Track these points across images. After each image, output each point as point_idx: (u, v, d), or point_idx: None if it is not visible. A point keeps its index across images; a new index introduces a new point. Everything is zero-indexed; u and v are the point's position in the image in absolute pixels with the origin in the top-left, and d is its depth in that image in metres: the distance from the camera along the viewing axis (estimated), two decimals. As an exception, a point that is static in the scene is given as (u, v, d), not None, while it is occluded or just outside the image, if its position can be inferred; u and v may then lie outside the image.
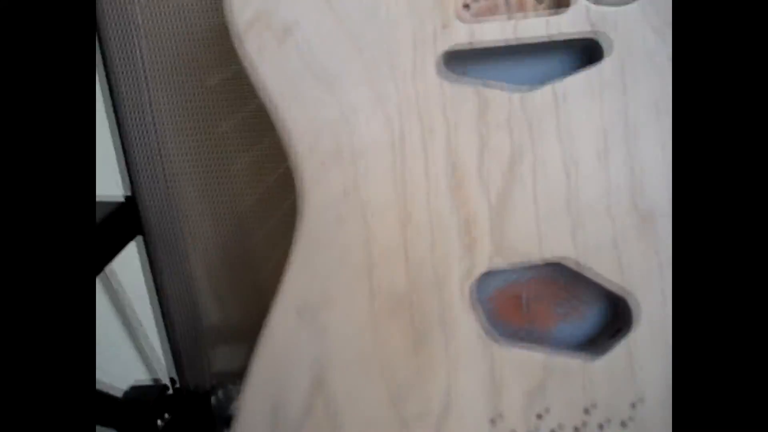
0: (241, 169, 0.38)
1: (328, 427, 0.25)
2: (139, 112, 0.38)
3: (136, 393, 0.44)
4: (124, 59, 0.37)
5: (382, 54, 0.26)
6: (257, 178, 0.38)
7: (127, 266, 0.41)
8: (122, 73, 0.37)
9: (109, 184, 0.40)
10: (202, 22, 0.36)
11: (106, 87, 0.37)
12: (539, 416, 0.25)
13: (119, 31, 0.36)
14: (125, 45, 0.36)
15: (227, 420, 0.49)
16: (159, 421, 0.43)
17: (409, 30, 0.26)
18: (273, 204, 0.39)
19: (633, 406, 0.26)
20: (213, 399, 0.47)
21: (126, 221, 0.40)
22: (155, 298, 0.42)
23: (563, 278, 0.27)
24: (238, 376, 0.44)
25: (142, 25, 0.36)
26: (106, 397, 0.40)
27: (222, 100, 0.38)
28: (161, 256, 0.40)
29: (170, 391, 0.46)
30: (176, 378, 0.45)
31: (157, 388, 0.44)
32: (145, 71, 0.37)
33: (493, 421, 0.25)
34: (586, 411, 0.26)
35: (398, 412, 0.25)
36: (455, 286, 0.25)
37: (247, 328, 0.42)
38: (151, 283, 0.42)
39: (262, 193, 0.39)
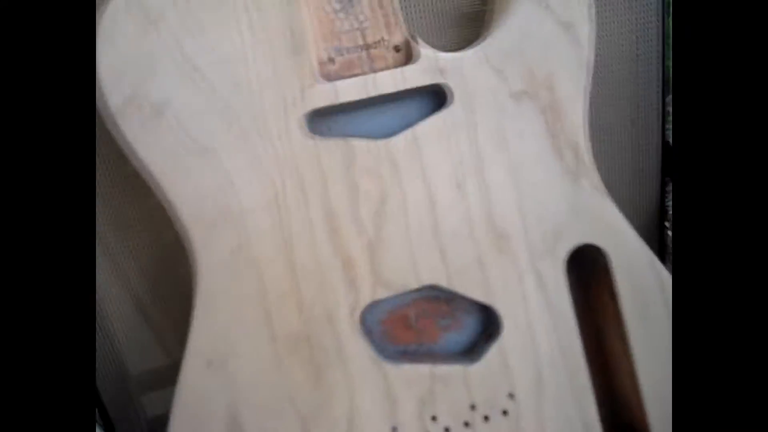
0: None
1: (249, 459, 0.28)
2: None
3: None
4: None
5: (251, 122, 0.28)
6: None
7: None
8: None
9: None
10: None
11: None
12: (433, 418, 0.29)
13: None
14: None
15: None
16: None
17: (277, 94, 0.29)
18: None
19: (510, 396, 0.30)
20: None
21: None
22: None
23: (443, 295, 0.31)
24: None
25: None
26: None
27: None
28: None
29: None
30: None
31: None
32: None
33: (393, 430, 0.29)
34: (472, 407, 0.30)
35: (308, 436, 0.28)
36: (345, 319, 0.29)
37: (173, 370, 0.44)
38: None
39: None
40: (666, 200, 0.48)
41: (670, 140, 0.45)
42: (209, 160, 0.28)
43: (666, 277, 0.31)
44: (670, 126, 0.44)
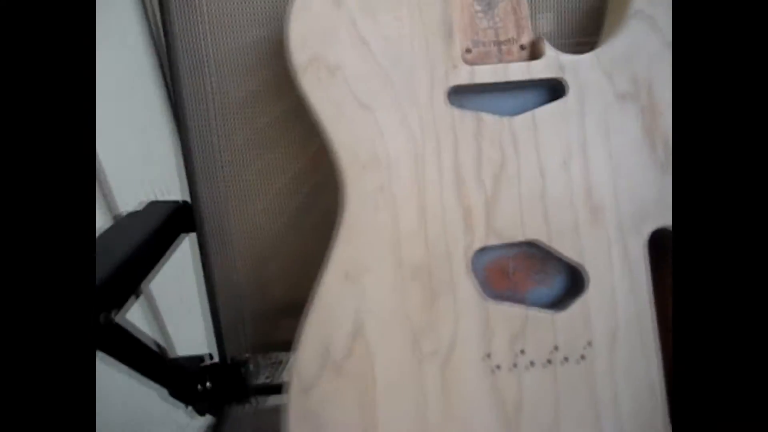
0: (286, 177, 0.47)
1: (366, 363, 0.34)
2: (206, 136, 0.46)
3: (181, 362, 0.52)
4: (194, 93, 0.45)
5: (403, 89, 0.35)
6: (297, 182, 0.47)
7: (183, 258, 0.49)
8: (192, 105, 0.45)
9: (174, 191, 0.48)
10: (260, 57, 0.45)
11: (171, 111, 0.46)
12: (521, 351, 0.35)
13: (190, 64, 0.45)
14: (195, 77, 0.45)
15: (256, 388, 0.57)
16: (199, 387, 0.51)
17: (427, 71, 0.35)
18: (309, 203, 0.47)
19: (588, 344, 0.35)
20: (243, 370, 0.55)
21: (183, 220, 0.48)
22: (203, 285, 0.50)
23: (539, 254, 0.37)
24: (271, 348, 0.52)
25: (213, 56, 0.45)
26: (162, 361, 0.48)
27: (271, 123, 0.47)
28: (211, 249, 0.49)
29: (208, 362, 0.54)
30: (215, 352, 0.53)
31: (197, 358, 0.52)
32: (214, 105, 0.45)
33: (485, 357, 0.35)
34: (555, 348, 0.35)
35: (417, 350, 0.34)
36: (460, 257, 0.35)
37: (278, 307, 0.50)
38: (200, 272, 0.50)
39: (304, 194, 0.47)
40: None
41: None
42: (367, 115, 0.35)
43: (735, 265, 0.36)
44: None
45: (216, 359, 0.51)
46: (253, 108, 0.46)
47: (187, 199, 0.48)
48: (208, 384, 0.50)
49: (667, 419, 0.35)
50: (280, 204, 0.48)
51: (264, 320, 0.50)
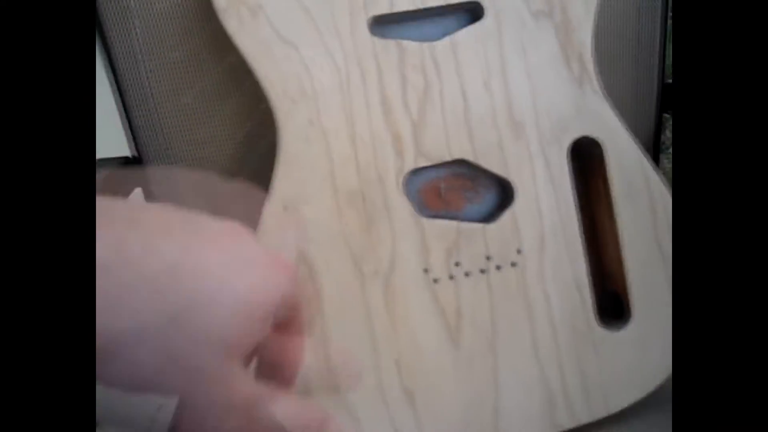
0: (222, 118, 0.48)
1: (312, 288, 0.36)
2: (138, 88, 0.47)
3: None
4: (121, 43, 0.45)
5: (328, 21, 0.36)
6: (236, 126, 0.48)
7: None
8: (121, 54, 0.45)
9: (119, 146, 0.48)
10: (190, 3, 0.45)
11: (109, 69, 0.46)
12: (457, 264, 0.37)
13: (116, 16, 0.45)
14: (122, 27, 0.45)
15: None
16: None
17: (346, 3, 0.36)
18: (251, 146, 0.49)
19: (518, 251, 0.38)
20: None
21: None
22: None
23: (468, 173, 0.39)
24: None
25: (137, 9, 0.45)
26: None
27: (203, 66, 0.47)
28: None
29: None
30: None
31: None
32: (141, 50, 0.46)
33: (423, 272, 0.37)
34: (488, 258, 0.37)
35: (359, 270, 0.36)
36: (392, 180, 0.36)
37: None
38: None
39: (242, 137, 0.48)
40: (662, 134, 0.55)
41: (670, 80, 0.52)
42: (291, 50, 0.36)
43: (649, 167, 0.39)
44: (669, 66, 0.51)
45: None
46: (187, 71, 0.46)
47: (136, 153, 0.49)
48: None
49: (593, 315, 0.39)
50: (224, 147, 0.49)
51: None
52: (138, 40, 0.45)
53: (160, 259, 0.17)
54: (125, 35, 0.45)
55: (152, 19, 0.45)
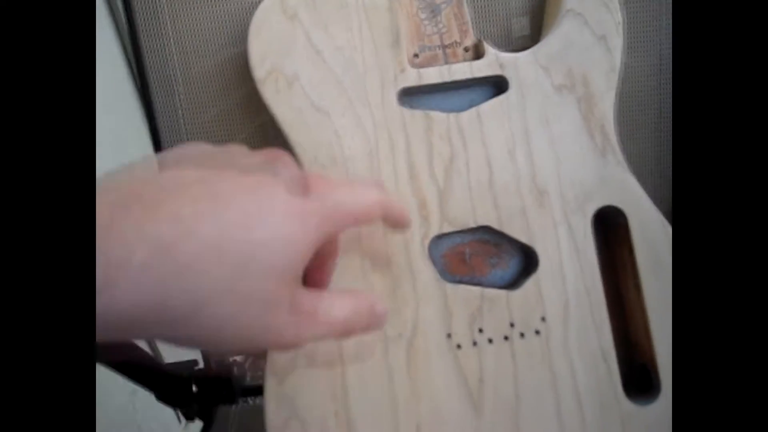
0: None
1: (335, 350, 0.36)
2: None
3: (175, 367, 0.54)
4: (165, 104, 0.48)
5: (356, 94, 0.38)
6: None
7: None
8: (163, 114, 0.48)
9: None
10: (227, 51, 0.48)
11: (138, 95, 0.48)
12: (480, 330, 0.37)
13: (160, 77, 0.48)
14: (166, 89, 0.48)
15: (242, 390, 0.59)
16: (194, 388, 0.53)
17: (377, 75, 0.38)
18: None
19: (542, 319, 0.37)
20: (230, 372, 0.57)
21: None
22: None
23: (493, 239, 0.39)
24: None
25: (180, 70, 0.47)
26: (154, 367, 0.50)
27: (236, 124, 0.49)
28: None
29: (199, 366, 0.56)
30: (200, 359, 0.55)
31: (190, 363, 0.55)
32: (182, 109, 0.48)
33: (446, 337, 0.37)
34: (511, 324, 0.37)
35: (382, 332, 0.37)
36: (417, 245, 0.37)
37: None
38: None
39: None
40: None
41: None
42: (324, 119, 0.38)
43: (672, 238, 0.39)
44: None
45: (201, 365, 0.54)
46: (226, 126, 0.49)
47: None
48: (194, 388, 0.52)
49: (620, 387, 0.38)
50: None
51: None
52: (180, 99, 0.48)
53: (215, 225, 0.20)
54: (169, 94, 0.48)
55: (194, 79, 0.48)
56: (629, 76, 0.48)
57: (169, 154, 0.24)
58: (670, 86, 0.49)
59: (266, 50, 0.38)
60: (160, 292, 0.19)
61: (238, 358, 0.55)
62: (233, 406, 0.55)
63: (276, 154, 0.25)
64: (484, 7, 0.48)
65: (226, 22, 0.47)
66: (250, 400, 0.60)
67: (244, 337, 0.22)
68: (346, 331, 0.25)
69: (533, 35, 0.47)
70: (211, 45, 0.48)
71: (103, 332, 0.19)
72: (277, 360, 0.37)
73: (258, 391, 0.58)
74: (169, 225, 0.19)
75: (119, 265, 0.18)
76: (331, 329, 0.25)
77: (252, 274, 0.21)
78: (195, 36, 0.47)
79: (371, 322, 0.26)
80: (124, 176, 0.22)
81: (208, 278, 0.20)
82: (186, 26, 0.47)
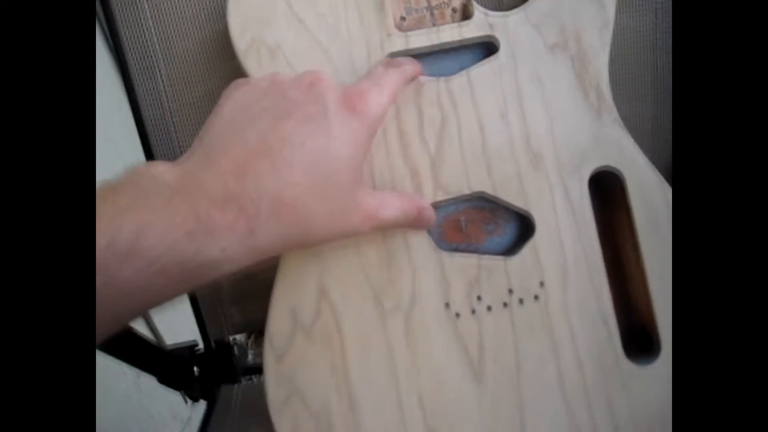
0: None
1: (332, 324, 0.36)
2: (162, 127, 0.48)
3: (177, 350, 0.54)
4: (146, 84, 0.47)
5: (345, 60, 0.37)
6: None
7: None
8: (145, 94, 0.47)
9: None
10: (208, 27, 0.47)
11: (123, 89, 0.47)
12: (478, 298, 0.37)
13: (140, 58, 0.46)
14: (146, 68, 0.46)
15: (245, 369, 0.59)
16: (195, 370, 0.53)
17: (363, 41, 0.37)
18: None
19: (541, 284, 0.37)
20: (232, 351, 0.57)
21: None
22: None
23: (488, 206, 0.38)
24: (249, 328, 0.54)
25: (161, 50, 0.46)
26: (155, 351, 0.50)
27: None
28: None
29: (200, 348, 0.56)
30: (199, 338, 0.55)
31: (191, 346, 0.54)
32: (165, 90, 0.47)
33: (445, 307, 0.37)
34: (510, 291, 0.37)
35: (380, 305, 0.36)
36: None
37: (253, 289, 0.52)
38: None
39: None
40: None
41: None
42: (310, 89, 0.37)
43: (670, 197, 0.38)
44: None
45: (200, 345, 0.53)
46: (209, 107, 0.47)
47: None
48: (196, 370, 0.52)
49: (620, 349, 0.38)
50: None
51: (243, 300, 0.51)
52: (162, 80, 0.47)
53: (300, 167, 0.28)
54: (150, 76, 0.47)
55: (175, 59, 0.46)
56: (624, 36, 0.46)
57: (231, 107, 0.30)
58: (666, 44, 0.47)
59: (246, 20, 0.37)
60: (281, 227, 0.27)
61: (239, 337, 0.55)
62: (236, 386, 0.55)
63: (315, 76, 0.31)
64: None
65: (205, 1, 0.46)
66: (254, 378, 0.60)
67: (336, 234, 0.30)
68: (399, 225, 0.34)
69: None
70: (191, 23, 0.46)
71: (253, 259, 0.27)
72: (274, 336, 0.36)
73: (260, 369, 0.58)
74: (273, 178, 0.27)
75: (255, 217, 0.26)
76: (387, 221, 0.33)
77: (333, 193, 0.29)
78: (174, 14, 0.46)
79: (419, 221, 0.35)
80: (219, 146, 0.28)
81: (309, 208, 0.28)
82: (164, 5, 0.45)
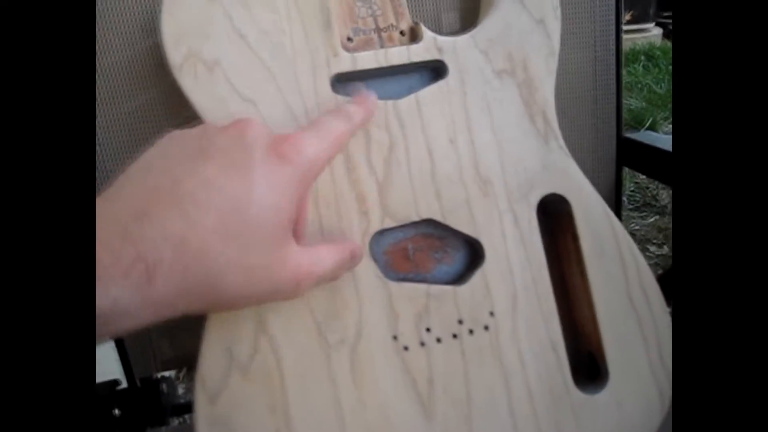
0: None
1: (272, 361, 0.33)
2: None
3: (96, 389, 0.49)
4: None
5: (289, 80, 0.35)
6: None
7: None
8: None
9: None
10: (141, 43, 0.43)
11: None
12: (427, 329, 0.35)
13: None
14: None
15: (174, 408, 0.55)
16: (116, 412, 0.48)
17: (308, 60, 0.35)
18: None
19: (490, 314, 0.36)
20: (158, 389, 0.53)
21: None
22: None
23: (436, 233, 0.37)
24: (180, 363, 0.50)
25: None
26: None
27: (157, 119, 0.45)
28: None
29: (122, 386, 0.51)
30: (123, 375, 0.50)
31: (111, 383, 0.49)
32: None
33: (392, 339, 0.35)
34: (459, 321, 0.36)
35: (323, 340, 0.34)
36: (357, 242, 0.35)
37: (185, 320, 0.48)
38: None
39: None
40: (620, 190, 0.56)
41: (624, 134, 0.53)
42: (250, 108, 0.34)
43: (616, 223, 0.38)
44: (626, 120, 0.52)
45: (124, 384, 0.49)
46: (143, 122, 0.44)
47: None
48: (116, 411, 0.47)
49: (570, 377, 0.37)
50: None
51: (173, 332, 0.47)
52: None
53: (214, 213, 0.25)
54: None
55: (103, 73, 0.43)
56: (566, 69, 0.47)
57: (153, 153, 0.27)
58: (605, 70, 0.49)
59: (182, 32, 0.34)
60: (186, 279, 0.24)
61: (167, 374, 0.51)
62: (163, 428, 0.51)
63: (245, 123, 0.28)
64: (414, 1, 0.46)
65: (138, 12, 0.43)
66: (187, 418, 0.56)
67: (254, 296, 0.27)
68: (333, 277, 0.31)
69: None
70: (122, 37, 0.43)
71: (149, 315, 0.24)
72: (207, 376, 0.33)
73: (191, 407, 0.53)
74: (181, 222, 0.24)
75: (155, 264, 0.23)
76: (322, 278, 0.29)
77: (252, 245, 0.26)
78: (104, 28, 0.42)
79: (352, 264, 0.33)
80: (127, 188, 0.26)
81: (221, 260, 0.25)
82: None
